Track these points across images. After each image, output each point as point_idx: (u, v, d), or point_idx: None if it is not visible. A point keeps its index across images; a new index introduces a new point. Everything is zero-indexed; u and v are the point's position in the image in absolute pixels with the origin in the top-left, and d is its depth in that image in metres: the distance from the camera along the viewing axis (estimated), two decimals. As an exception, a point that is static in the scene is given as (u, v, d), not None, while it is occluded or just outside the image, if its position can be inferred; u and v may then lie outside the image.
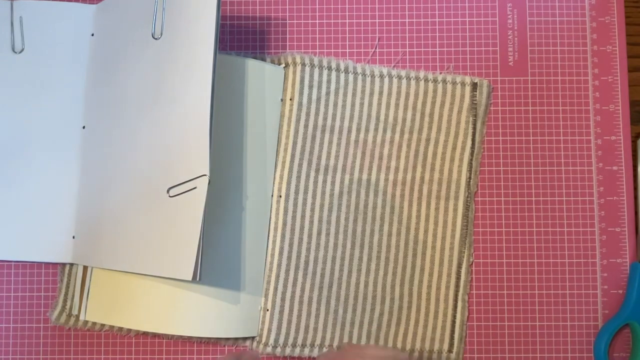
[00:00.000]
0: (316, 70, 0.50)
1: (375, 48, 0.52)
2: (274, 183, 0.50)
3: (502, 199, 0.51)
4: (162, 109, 0.46)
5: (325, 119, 0.50)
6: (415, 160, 0.51)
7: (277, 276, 0.49)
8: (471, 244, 0.51)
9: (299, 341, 0.49)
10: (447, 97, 0.51)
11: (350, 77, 0.51)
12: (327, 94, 0.51)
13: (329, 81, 0.51)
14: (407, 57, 0.52)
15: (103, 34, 0.51)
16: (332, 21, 0.52)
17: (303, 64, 0.50)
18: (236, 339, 0.50)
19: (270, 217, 0.50)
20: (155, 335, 0.50)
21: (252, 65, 0.50)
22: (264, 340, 0.49)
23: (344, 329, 0.50)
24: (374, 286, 0.50)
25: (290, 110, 0.50)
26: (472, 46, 0.52)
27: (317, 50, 0.52)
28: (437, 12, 0.52)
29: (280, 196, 0.50)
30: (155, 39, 0.47)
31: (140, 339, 0.51)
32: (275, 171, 0.50)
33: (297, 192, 0.50)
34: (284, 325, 0.49)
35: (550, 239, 0.51)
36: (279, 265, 0.49)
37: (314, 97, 0.50)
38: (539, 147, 0.52)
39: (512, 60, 0.52)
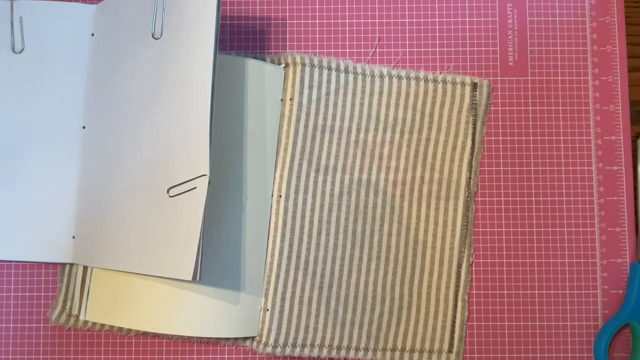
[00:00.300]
0: (316, 70, 0.50)
1: (375, 48, 0.52)
2: (274, 183, 0.50)
3: (502, 199, 0.51)
4: (162, 109, 0.46)
5: (325, 119, 0.50)
6: (415, 160, 0.51)
7: (277, 276, 0.49)
8: (471, 244, 0.51)
9: (299, 341, 0.49)
10: (447, 97, 0.51)
11: (350, 77, 0.51)
12: (327, 94, 0.51)
13: (329, 81, 0.51)
14: (407, 57, 0.52)
15: (103, 34, 0.51)
16: (332, 21, 0.52)
17: (303, 64, 0.50)
18: (236, 339, 0.50)
19: (270, 217, 0.50)
20: (155, 335, 0.50)
21: (252, 65, 0.50)
22: (264, 340, 0.49)
23: (344, 329, 0.50)
24: (374, 286, 0.50)
25: (290, 110, 0.50)
26: (472, 46, 0.52)
27: (317, 50, 0.52)
28: (437, 12, 0.53)
29: (280, 196, 0.50)
30: (155, 39, 0.47)
31: (140, 339, 0.51)
32: (275, 171, 0.50)
33: (297, 192, 0.50)
34: (284, 325, 0.49)
35: (550, 239, 0.51)
36: (279, 265, 0.49)
37: (314, 97, 0.50)
38: (539, 147, 0.52)
39: (512, 60, 0.52)
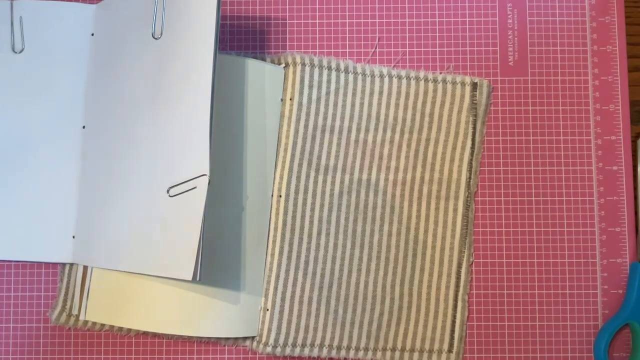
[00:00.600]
0: (316, 70, 0.50)
1: (375, 48, 0.52)
2: (274, 183, 0.50)
3: (502, 199, 0.51)
4: (162, 108, 0.46)
5: (325, 118, 0.50)
6: (415, 160, 0.51)
7: (277, 276, 0.49)
8: (471, 244, 0.51)
9: (299, 341, 0.49)
10: (447, 97, 0.51)
11: (350, 77, 0.51)
12: (327, 93, 0.51)
13: (329, 81, 0.51)
14: (407, 57, 0.52)
15: (103, 33, 0.51)
16: (332, 21, 0.52)
17: (303, 64, 0.50)
18: (236, 338, 0.50)
19: (270, 217, 0.50)
20: (155, 335, 0.50)
21: (252, 65, 0.50)
22: (264, 340, 0.49)
23: (344, 328, 0.50)
24: (374, 286, 0.50)
25: (290, 110, 0.50)
26: (472, 46, 0.52)
27: (317, 50, 0.52)
28: (437, 12, 0.53)
29: (280, 196, 0.50)
30: (155, 39, 0.47)
31: (140, 339, 0.51)
32: (275, 171, 0.50)
33: (297, 192, 0.50)
34: (284, 325, 0.49)
35: (550, 239, 0.51)
36: (279, 265, 0.49)
37: (314, 97, 0.50)
38: (539, 147, 0.52)
39: (512, 60, 0.52)
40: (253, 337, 0.50)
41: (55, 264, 0.51)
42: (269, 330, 0.49)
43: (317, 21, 0.52)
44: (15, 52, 0.51)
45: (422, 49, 0.52)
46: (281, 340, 0.49)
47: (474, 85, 0.51)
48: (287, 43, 0.52)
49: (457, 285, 0.50)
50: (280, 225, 0.49)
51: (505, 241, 0.51)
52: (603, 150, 0.51)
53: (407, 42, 0.52)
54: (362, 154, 0.51)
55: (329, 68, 0.51)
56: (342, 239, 0.50)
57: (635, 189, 0.51)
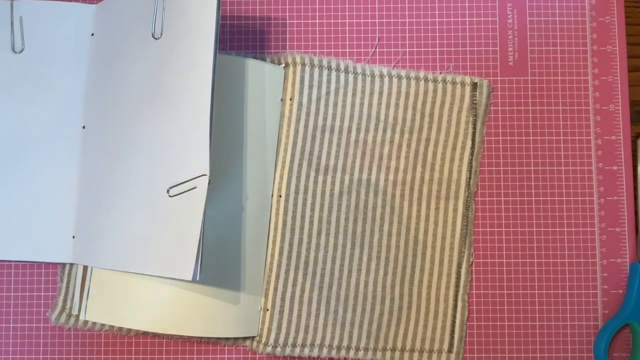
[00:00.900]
0: (316, 70, 0.50)
1: (375, 48, 0.52)
2: (274, 183, 0.50)
3: (502, 199, 0.51)
4: (162, 108, 0.46)
5: (325, 118, 0.50)
6: (415, 160, 0.51)
7: (277, 276, 0.49)
8: (471, 244, 0.51)
9: (299, 341, 0.49)
10: (447, 97, 0.51)
11: (350, 77, 0.51)
12: (327, 93, 0.51)
13: (329, 81, 0.51)
14: (407, 57, 0.52)
15: (103, 33, 0.51)
16: (332, 21, 0.52)
17: (303, 64, 0.50)
18: (236, 339, 0.50)
19: (270, 217, 0.50)
20: (155, 335, 0.50)
21: (252, 65, 0.50)
22: (264, 340, 0.49)
23: (344, 329, 0.50)
24: (374, 286, 0.50)
25: (290, 110, 0.50)
26: (472, 46, 0.52)
27: (317, 50, 0.52)
28: (437, 12, 0.53)
29: (280, 196, 0.50)
30: (155, 38, 0.47)
31: (140, 339, 0.51)
32: (275, 171, 0.50)
33: (297, 192, 0.50)
34: (284, 325, 0.49)
35: (550, 239, 0.51)
36: (279, 265, 0.49)
37: (314, 97, 0.50)
38: (539, 147, 0.52)
39: (512, 60, 0.52)
40: (253, 337, 0.50)
41: (55, 264, 0.51)
42: (269, 330, 0.49)
43: (317, 21, 0.52)
44: (15, 52, 0.51)
45: (422, 49, 0.52)
46: (281, 341, 0.49)
47: (474, 85, 0.51)
48: (287, 43, 0.52)
49: (457, 285, 0.51)
50: (280, 226, 0.49)
51: (505, 241, 0.51)
52: (603, 150, 0.51)
53: (407, 42, 0.52)
54: (362, 154, 0.51)
55: (329, 68, 0.51)
56: (342, 239, 0.50)
57: (635, 189, 0.51)
